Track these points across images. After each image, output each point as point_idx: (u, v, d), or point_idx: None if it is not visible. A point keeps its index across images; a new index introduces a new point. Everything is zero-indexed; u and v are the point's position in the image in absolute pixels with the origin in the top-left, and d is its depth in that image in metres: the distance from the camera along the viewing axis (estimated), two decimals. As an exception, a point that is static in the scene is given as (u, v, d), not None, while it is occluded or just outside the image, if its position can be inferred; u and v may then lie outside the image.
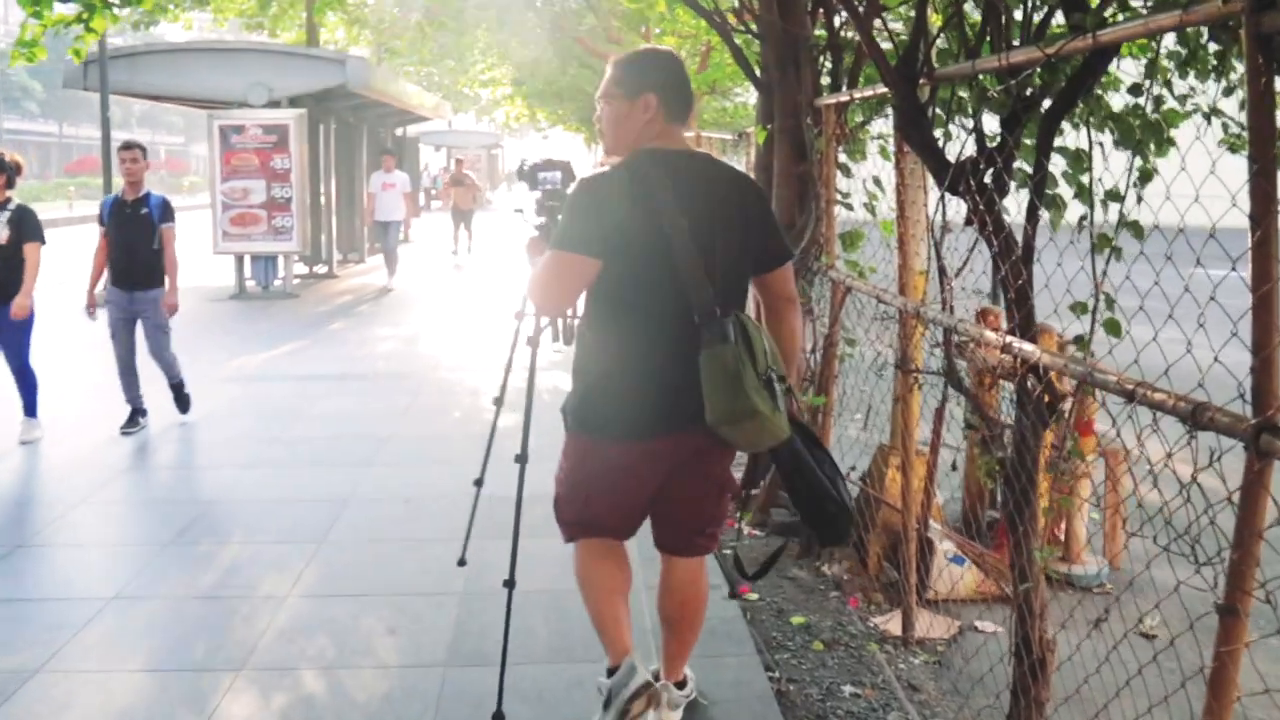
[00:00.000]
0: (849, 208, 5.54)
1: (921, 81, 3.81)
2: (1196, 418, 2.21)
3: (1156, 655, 2.71)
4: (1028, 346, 2.98)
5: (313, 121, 17.61)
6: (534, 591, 4.71)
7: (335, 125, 19.54)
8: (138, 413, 8.03)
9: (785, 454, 3.28)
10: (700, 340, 3.16)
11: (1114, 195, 3.23)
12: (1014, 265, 3.23)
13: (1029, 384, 3.13)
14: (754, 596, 5.02)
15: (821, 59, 5.87)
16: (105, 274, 7.98)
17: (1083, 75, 3.01)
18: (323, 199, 18.57)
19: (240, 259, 16.44)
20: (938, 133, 3.91)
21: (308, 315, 14.54)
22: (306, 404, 9.00)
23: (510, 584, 3.86)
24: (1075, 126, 3.47)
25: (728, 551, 5.43)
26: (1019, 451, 3.22)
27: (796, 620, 4.77)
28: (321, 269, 19.27)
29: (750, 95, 23.68)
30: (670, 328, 3.24)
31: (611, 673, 3.56)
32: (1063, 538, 5.37)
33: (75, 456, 7.31)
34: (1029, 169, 3.49)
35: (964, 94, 3.84)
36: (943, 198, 3.80)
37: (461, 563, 4.95)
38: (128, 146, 7.94)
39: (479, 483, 4.77)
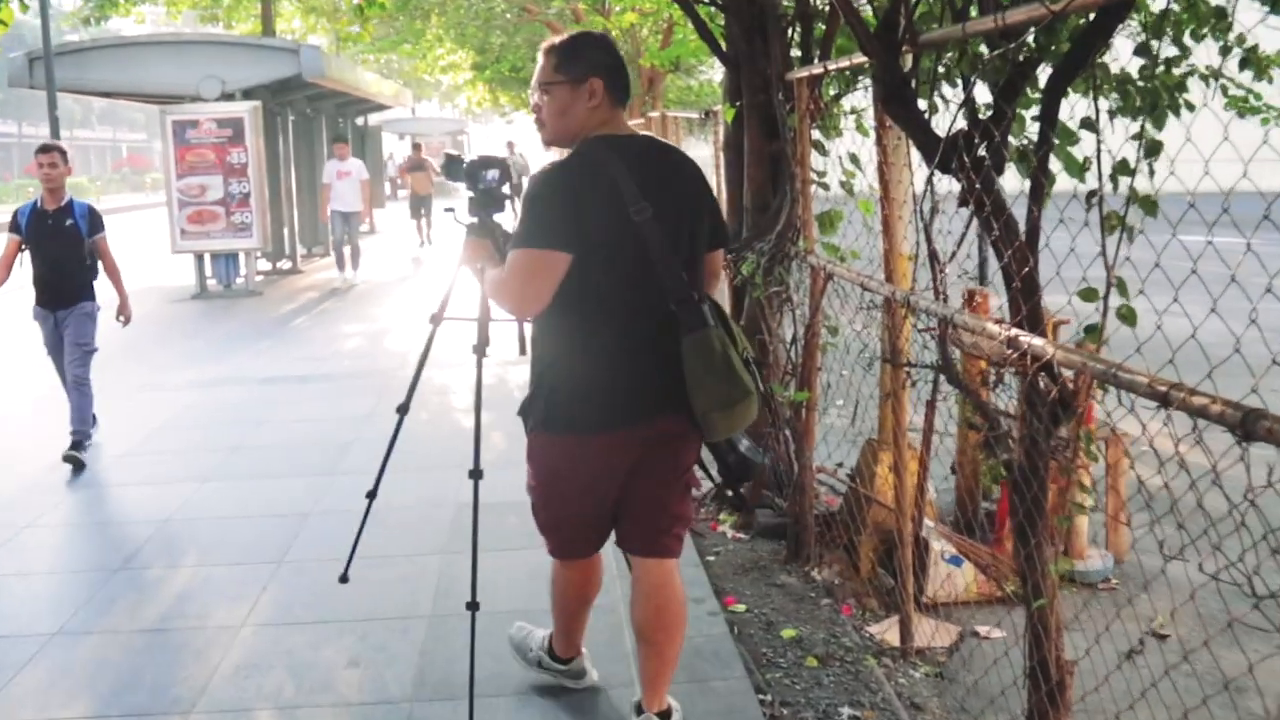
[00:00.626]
0: (825, 187, 5.22)
1: (904, 49, 3.48)
2: (1248, 427, 1.90)
3: (1173, 666, 2.42)
4: (1038, 342, 2.66)
5: (270, 114, 17.18)
6: (502, 613, 4.37)
7: (293, 117, 19.10)
8: (79, 445, 7.10)
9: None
10: (677, 328, 3.13)
11: (1124, 169, 2.92)
12: (1018, 251, 2.91)
13: (1039, 382, 2.81)
14: (741, 608, 4.71)
15: (791, 29, 5.54)
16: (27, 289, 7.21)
17: (1091, 36, 2.69)
18: (283, 193, 18.13)
19: (200, 257, 15.99)
20: (922, 104, 3.59)
21: (271, 314, 14.14)
22: (267, 409, 8.63)
23: (473, 606, 3.67)
24: (1084, 94, 3.15)
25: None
26: (1029, 456, 2.91)
27: (787, 633, 4.46)
28: (285, 265, 18.87)
29: (716, 72, 23.35)
30: (641, 316, 3.18)
31: (553, 655, 3.90)
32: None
33: (22, 478, 6.93)
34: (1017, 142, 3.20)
35: (951, 62, 3.53)
36: (930, 176, 3.48)
37: (343, 579, 4.52)
38: (46, 149, 7.10)
39: (371, 495, 4.44)
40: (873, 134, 4.43)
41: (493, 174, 3.72)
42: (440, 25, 23.19)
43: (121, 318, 7.37)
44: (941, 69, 3.76)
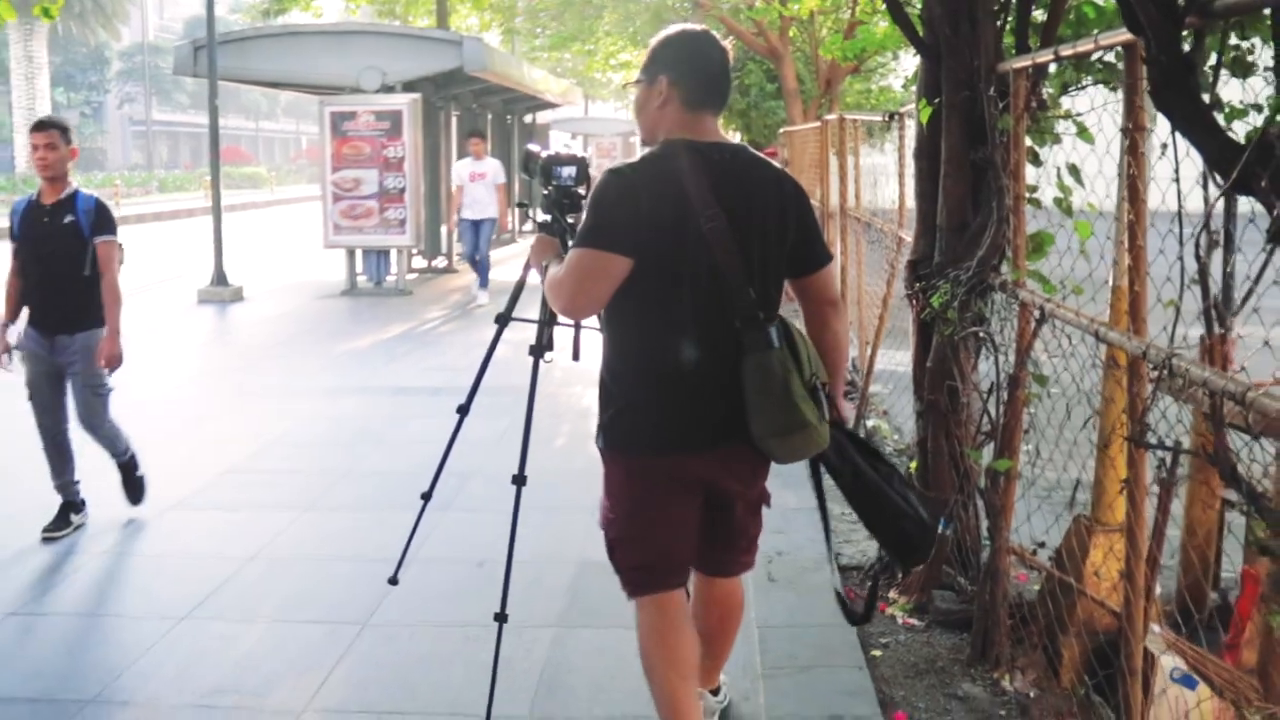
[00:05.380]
0: (1037, 204, 4.24)
1: (1189, 20, 2.49)
2: None
3: None
4: None
5: (432, 108, 16.73)
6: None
7: (458, 111, 18.66)
8: (69, 507, 5.73)
9: (844, 470, 3.15)
10: (741, 346, 3.00)
11: None
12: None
13: None
14: (912, 730, 3.76)
15: (1004, 13, 4.55)
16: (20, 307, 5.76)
17: None
18: (442, 189, 17.66)
19: (351, 253, 15.59)
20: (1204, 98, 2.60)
21: (416, 316, 13.58)
22: (391, 426, 7.96)
23: (501, 618, 3.65)
24: None
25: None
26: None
27: (972, 775, 3.49)
28: (440, 263, 18.41)
29: (897, 78, 22.19)
30: (707, 332, 3.04)
31: None
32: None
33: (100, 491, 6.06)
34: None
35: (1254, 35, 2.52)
36: (1218, 196, 2.49)
37: (393, 581, 4.37)
38: (41, 126, 5.59)
39: (426, 496, 4.31)
40: (1110, 140, 3.45)
41: (569, 171, 3.63)
42: (611, 22, 22.59)
43: (102, 360, 5.60)
44: (1235, 50, 2.74)
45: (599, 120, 46.27)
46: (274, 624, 4.56)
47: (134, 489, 5.99)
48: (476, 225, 14.38)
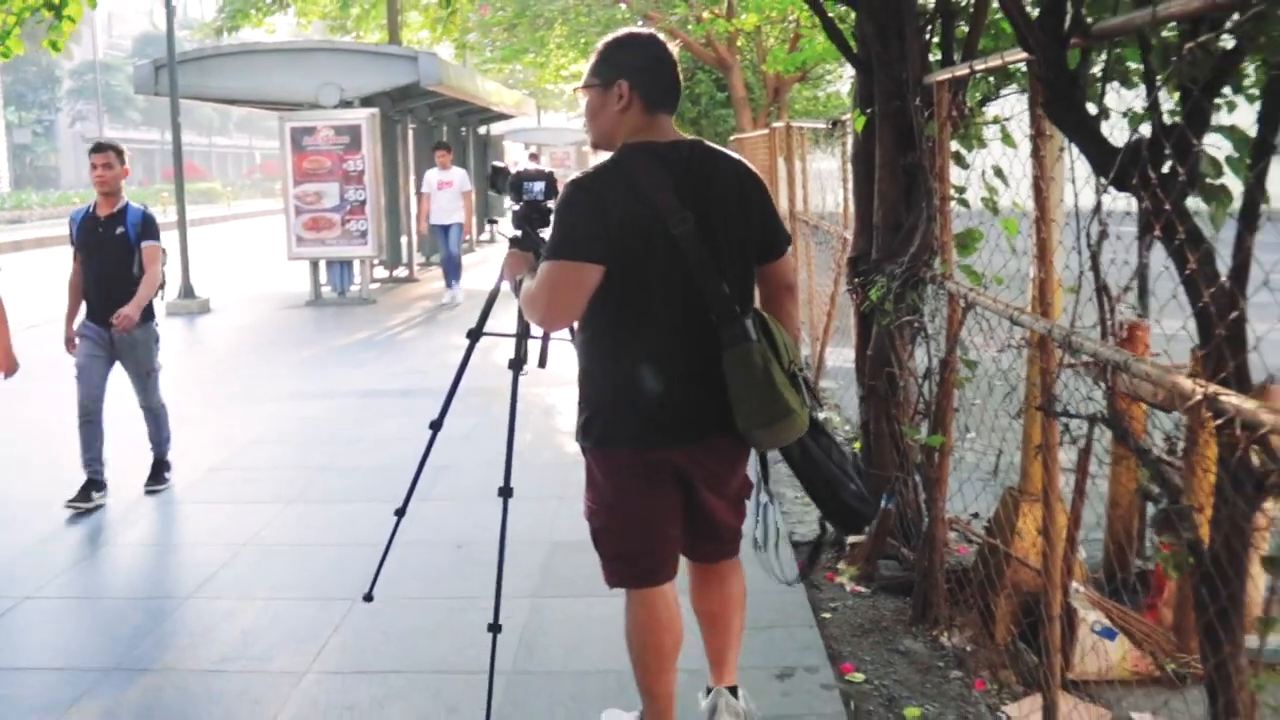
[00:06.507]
0: (965, 204, 4.66)
1: (1074, 41, 2.93)
2: None
3: None
4: (1248, 405, 2.09)
5: (390, 122, 17.04)
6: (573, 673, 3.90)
7: (414, 125, 18.98)
8: (92, 485, 6.38)
9: (792, 445, 3.21)
10: (719, 340, 3.05)
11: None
12: (1221, 291, 2.34)
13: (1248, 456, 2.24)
14: (859, 678, 4.16)
15: (929, 28, 4.98)
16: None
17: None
18: (402, 201, 17.97)
19: (315, 264, 15.89)
20: (1091, 110, 3.03)
21: (381, 324, 13.91)
22: (363, 426, 8.30)
23: (495, 628, 3.71)
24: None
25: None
26: (1229, 545, 2.33)
27: (911, 713, 3.89)
28: (402, 273, 18.72)
29: (844, 83, 22.69)
30: (684, 330, 3.09)
31: None
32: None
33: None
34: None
35: (1128, 56, 2.96)
36: (1102, 193, 2.92)
37: (368, 598, 4.48)
38: (100, 149, 6.49)
39: (400, 513, 4.41)
40: (1023, 144, 3.87)
41: (538, 186, 3.69)
42: (562, 34, 22.96)
43: (118, 319, 6.28)
44: (1116, 66, 3.17)
45: (552, 130, 46.51)
46: (271, 601, 4.92)
47: (157, 477, 6.72)
48: (446, 230, 15.30)
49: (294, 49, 16.46)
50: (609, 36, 3.27)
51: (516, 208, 3.69)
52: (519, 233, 3.61)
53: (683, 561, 3.43)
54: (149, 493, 6.59)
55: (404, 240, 18.42)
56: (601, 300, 3.05)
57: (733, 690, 3.52)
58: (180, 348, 12.75)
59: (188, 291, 15.13)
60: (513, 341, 3.91)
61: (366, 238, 15.51)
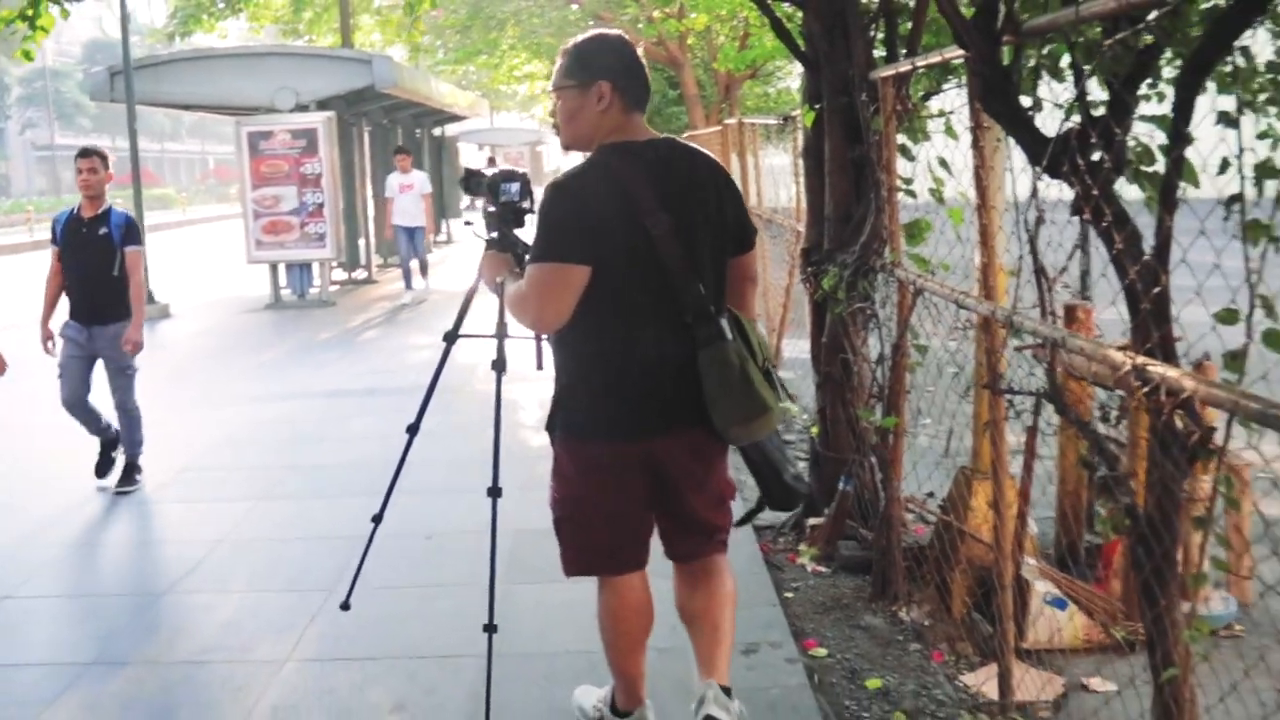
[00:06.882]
0: (912, 195, 4.83)
1: (1005, 39, 3.10)
2: None
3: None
4: (1172, 373, 2.27)
5: (345, 125, 17.09)
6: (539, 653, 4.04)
7: (369, 127, 19.04)
8: (110, 445, 6.94)
9: None
10: (694, 340, 3.10)
11: (1269, 170, 2.51)
12: (1145, 268, 2.52)
13: (1175, 420, 2.41)
14: (822, 653, 4.33)
15: (874, 26, 5.15)
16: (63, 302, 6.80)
17: (1244, 11, 2.29)
18: (359, 203, 18.04)
19: (274, 268, 15.93)
20: (1025, 102, 3.21)
21: (341, 325, 14.00)
22: (329, 425, 8.41)
23: (490, 629, 3.65)
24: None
25: None
26: (1160, 504, 2.51)
27: (872, 683, 4.07)
28: (360, 275, 18.78)
29: (795, 79, 22.92)
30: (658, 328, 3.13)
31: (614, 709, 3.55)
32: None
33: (70, 495, 6.73)
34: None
35: (1057, 52, 3.14)
36: (1036, 181, 3.10)
37: (345, 607, 4.36)
38: (85, 154, 6.75)
39: (376, 519, 4.32)
40: (964, 137, 4.05)
41: (513, 187, 3.66)
42: (514, 35, 23.06)
43: (128, 345, 6.68)
44: (1046, 61, 3.35)
45: (505, 130, 46.62)
46: (248, 594, 5.03)
47: (128, 479, 6.82)
48: (410, 232, 15.46)
49: (249, 54, 16.51)
50: (579, 38, 3.29)
51: (492, 209, 3.66)
52: (494, 234, 3.60)
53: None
54: (119, 494, 6.69)
55: (362, 242, 18.47)
56: (580, 297, 3.07)
57: (726, 691, 3.33)
58: (142, 353, 12.73)
59: (147, 297, 15.08)
60: (482, 343, 3.94)
61: (325, 240, 15.57)
